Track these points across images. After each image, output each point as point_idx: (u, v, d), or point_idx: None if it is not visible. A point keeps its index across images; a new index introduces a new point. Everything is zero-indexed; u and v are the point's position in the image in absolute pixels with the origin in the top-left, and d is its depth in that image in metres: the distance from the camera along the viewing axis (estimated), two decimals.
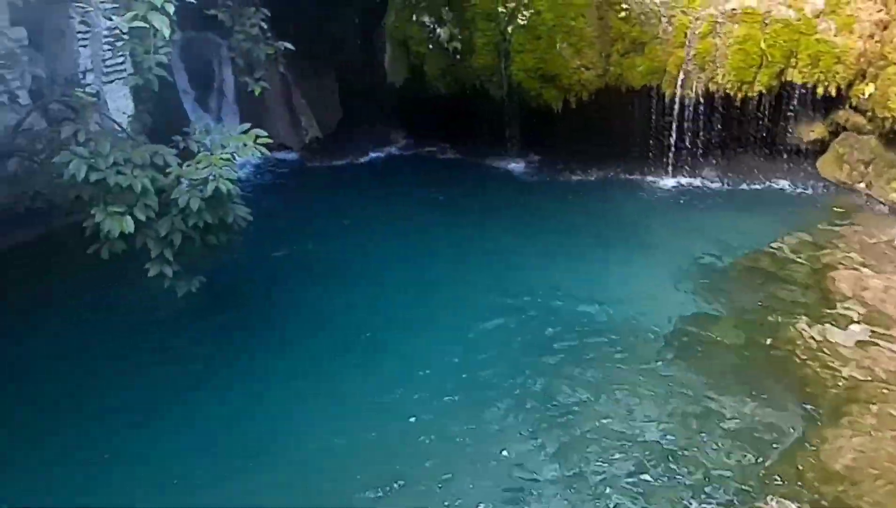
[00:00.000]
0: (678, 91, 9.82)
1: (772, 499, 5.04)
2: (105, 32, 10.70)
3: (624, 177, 10.82)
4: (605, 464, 5.50)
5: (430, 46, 11.36)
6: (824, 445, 5.47)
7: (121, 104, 10.90)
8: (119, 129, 7.76)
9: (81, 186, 6.67)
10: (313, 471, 5.70)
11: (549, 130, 10.93)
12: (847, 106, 9.34)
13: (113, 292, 8.19)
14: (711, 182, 10.42)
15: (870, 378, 6.14)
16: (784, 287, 7.73)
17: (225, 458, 5.87)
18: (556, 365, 6.69)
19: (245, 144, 6.66)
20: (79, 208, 7.55)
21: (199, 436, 6.15)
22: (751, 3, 9.26)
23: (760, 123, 9.88)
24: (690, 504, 5.09)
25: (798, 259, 8.26)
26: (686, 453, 5.59)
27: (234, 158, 6.58)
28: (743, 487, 5.22)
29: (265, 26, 7.54)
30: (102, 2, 10.28)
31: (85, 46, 10.58)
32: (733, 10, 9.30)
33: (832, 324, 6.96)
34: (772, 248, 8.55)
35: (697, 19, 9.53)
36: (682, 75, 9.72)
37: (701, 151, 10.32)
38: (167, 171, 6.42)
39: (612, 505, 5.12)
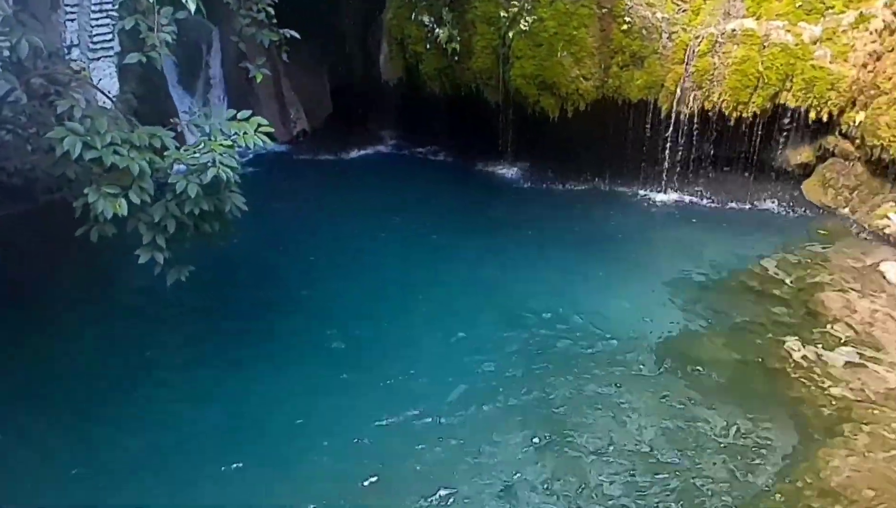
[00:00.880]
0: (674, 107, 9.93)
1: None
2: (94, 7, 10.37)
3: (615, 189, 10.89)
4: (597, 476, 5.49)
5: (428, 46, 11.27)
6: (819, 463, 5.53)
7: (105, 83, 10.52)
8: (111, 107, 7.45)
9: (72, 164, 6.39)
10: (299, 468, 5.59)
11: (543, 138, 10.92)
12: (836, 132, 9.57)
13: (100, 276, 7.91)
14: (701, 199, 10.55)
15: (861, 399, 6.24)
16: (773, 306, 7.83)
17: (207, 452, 5.74)
18: (545, 375, 6.69)
19: (246, 133, 6.46)
20: (64, 186, 7.27)
21: (175, 426, 6.01)
22: (751, 25, 9.42)
23: (752, 143, 10.04)
24: None
25: (785, 279, 8.39)
26: (680, 467, 5.61)
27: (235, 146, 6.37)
28: (737, 503, 5.24)
29: (272, 12, 7.31)
30: None
31: (72, 20, 10.20)
32: (733, 30, 9.44)
33: (822, 345, 7.07)
34: (760, 267, 8.68)
35: (698, 37, 9.65)
36: (679, 92, 9.82)
37: (692, 168, 10.44)
38: (165, 154, 6.18)
39: None
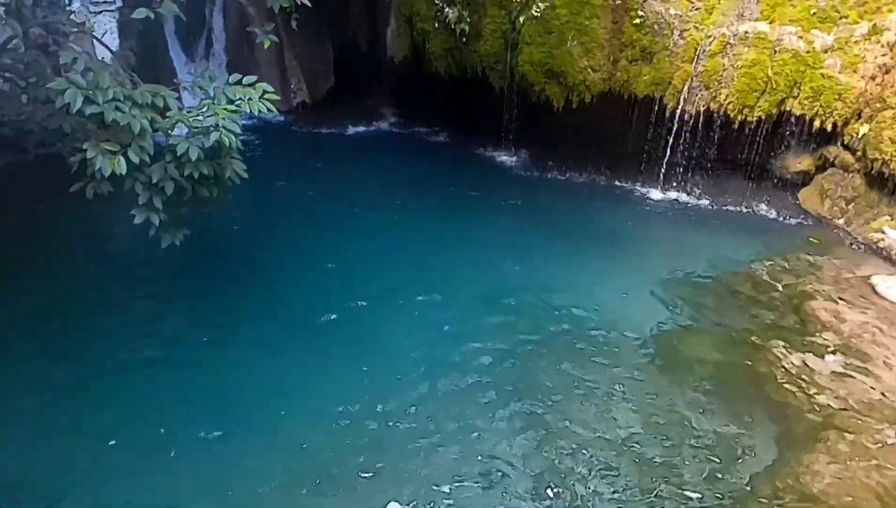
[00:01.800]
0: (680, 105, 9.89)
1: None
2: None
3: (614, 183, 10.87)
4: (578, 469, 5.54)
5: (436, 25, 11.12)
6: (801, 468, 5.60)
7: (106, 39, 10.27)
8: (110, 62, 7.27)
9: (69, 118, 6.25)
10: (275, 442, 5.57)
11: (545, 127, 10.86)
12: (839, 143, 9.58)
13: (91, 235, 7.79)
14: (699, 199, 10.56)
15: (845, 408, 6.31)
16: (763, 310, 7.88)
17: (184, 420, 5.72)
18: (532, 365, 6.72)
19: (250, 99, 6.33)
20: (58, 140, 7.11)
21: (155, 395, 5.97)
22: (764, 28, 9.37)
23: (753, 148, 10.04)
24: None
25: (777, 285, 8.43)
26: (661, 465, 5.66)
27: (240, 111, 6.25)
28: (716, 504, 5.30)
29: None
30: None
31: None
32: (746, 33, 9.39)
33: (810, 352, 7.13)
34: (752, 271, 8.72)
35: (709, 37, 9.59)
36: (686, 90, 9.78)
37: (693, 167, 10.43)
38: (167, 114, 6.05)
39: None
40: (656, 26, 9.74)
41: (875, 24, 9.10)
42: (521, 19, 10.29)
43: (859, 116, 9.25)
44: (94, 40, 7.83)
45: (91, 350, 6.42)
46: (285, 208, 9.43)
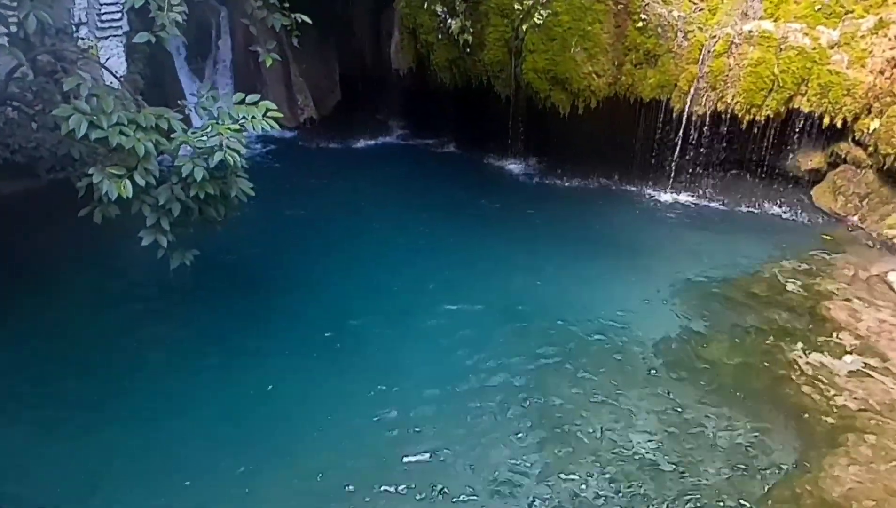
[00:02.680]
0: (687, 107, 9.82)
1: None
2: None
3: (624, 187, 10.81)
4: (594, 477, 5.46)
5: (440, 36, 11.17)
6: (821, 473, 5.48)
7: (113, 63, 10.45)
8: (117, 87, 7.37)
9: (76, 143, 6.33)
10: (293, 458, 5.56)
11: (552, 134, 10.84)
12: (850, 139, 9.45)
13: (101, 258, 7.87)
14: (709, 201, 10.46)
15: (864, 409, 6.18)
16: (778, 312, 7.76)
17: (203, 440, 5.72)
18: (546, 373, 6.65)
19: (254, 117, 6.38)
20: (68, 165, 7.22)
21: (170, 413, 5.97)
22: (768, 27, 9.29)
23: (763, 147, 9.94)
24: None
25: (791, 286, 8.31)
26: (680, 472, 5.56)
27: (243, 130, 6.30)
28: None
29: None
30: None
31: None
32: (750, 32, 9.32)
33: (827, 353, 7.00)
34: (766, 272, 8.60)
35: (714, 37, 9.53)
36: (692, 92, 9.71)
37: (702, 169, 10.35)
38: (172, 136, 6.11)
39: None
40: (659, 29, 9.71)
41: (881, 18, 8.99)
42: (524, 27, 10.30)
43: (869, 111, 9.12)
44: (101, 66, 7.95)
45: (101, 373, 6.45)
46: (294, 224, 9.47)
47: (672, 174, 10.45)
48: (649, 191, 10.68)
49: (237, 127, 6.14)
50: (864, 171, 9.52)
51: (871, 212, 9.50)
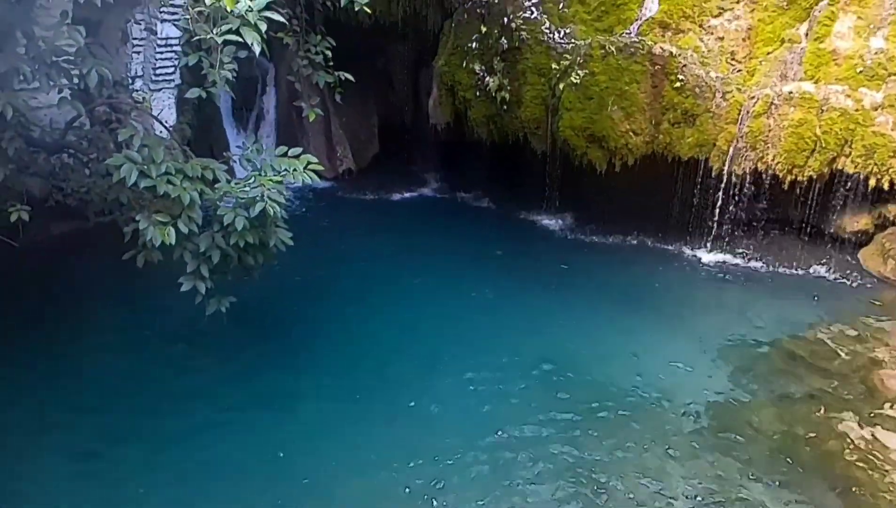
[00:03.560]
0: (726, 167, 9.73)
1: None
2: (159, 42, 10.80)
3: (661, 246, 10.65)
4: None
5: (478, 94, 11.40)
6: None
7: (164, 114, 10.89)
8: (166, 137, 7.65)
9: (126, 190, 6.54)
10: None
11: (588, 190, 10.82)
12: None
13: (139, 300, 8.02)
14: (750, 261, 10.22)
15: None
16: (826, 379, 7.43)
17: (233, 484, 5.64)
18: (579, 432, 6.45)
19: (295, 169, 6.52)
20: (115, 210, 7.46)
21: (201, 459, 5.94)
22: (809, 88, 9.24)
23: (806, 207, 9.75)
24: None
25: (840, 352, 7.98)
26: None
27: (284, 182, 6.43)
28: None
29: (329, 55, 7.49)
30: (162, 10, 10.45)
31: (138, 53, 10.63)
32: (790, 93, 9.27)
33: (879, 425, 6.64)
34: (812, 336, 8.29)
35: (753, 98, 9.51)
36: (731, 151, 9.64)
37: (742, 228, 10.17)
38: (216, 186, 6.27)
39: None
40: (697, 89, 9.73)
41: None
42: (561, 86, 10.45)
43: None
44: (153, 117, 8.29)
45: (135, 410, 6.49)
46: (330, 274, 9.54)
47: (711, 233, 10.28)
48: (687, 250, 10.50)
49: (279, 179, 6.28)
50: None
51: None
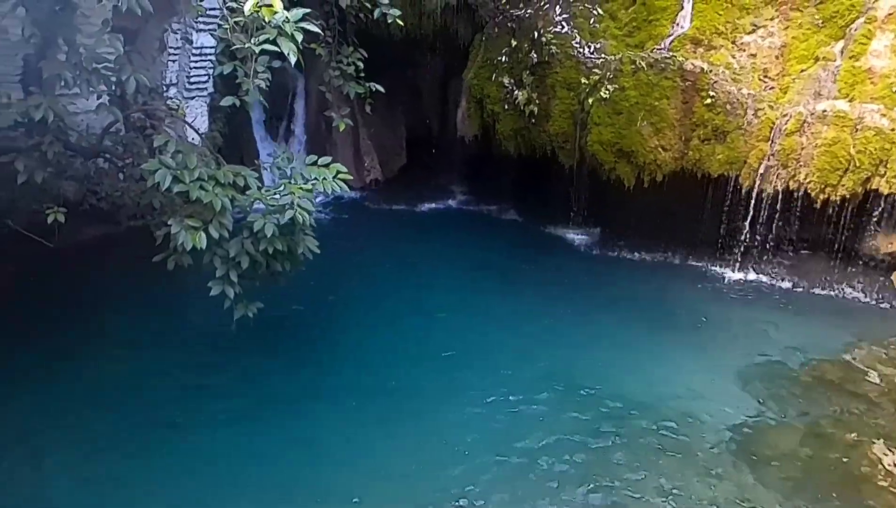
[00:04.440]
0: (756, 185, 9.60)
1: None
2: (194, 51, 11.04)
3: (688, 263, 10.52)
4: None
5: (506, 107, 11.44)
6: None
7: (197, 122, 11.10)
8: (199, 144, 7.80)
9: (158, 195, 6.67)
10: None
11: (616, 205, 10.75)
12: None
13: (167, 303, 8.15)
14: (780, 281, 10.05)
15: None
16: (858, 403, 7.26)
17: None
18: (604, 455, 6.35)
19: (325, 178, 6.61)
20: (147, 214, 7.62)
21: (223, 460, 6.02)
22: (843, 106, 9.10)
23: (838, 227, 9.56)
24: None
25: (872, 375, 7.79)
26: None
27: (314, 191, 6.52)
28: None
29: (361, 66, 7.59)
30: (199, 20, 10.69)
31: (174, 61, 10.88)
32: (824, 111, 9.13)
33: None
34: (843, 359, 8.11)
35: (785, 116, 9.38)
36: (762, 169, 9.51)
37: (773, 247, 10.00)
38: (247, 193, 6.38)
39: None
40: (728, 106, 9.64)
41: None
42: (590, 101, 10.44)
43: None
44: (186, 124, 8.48)
45: (159, 411, 6.61)
46: (354, 282, 9.61)
47: (741, 252, 10.13)
48: (716, 268, 10.35)
49: (308, 187, 6.36)
50: None
51: None
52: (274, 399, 6.88)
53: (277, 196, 6.29)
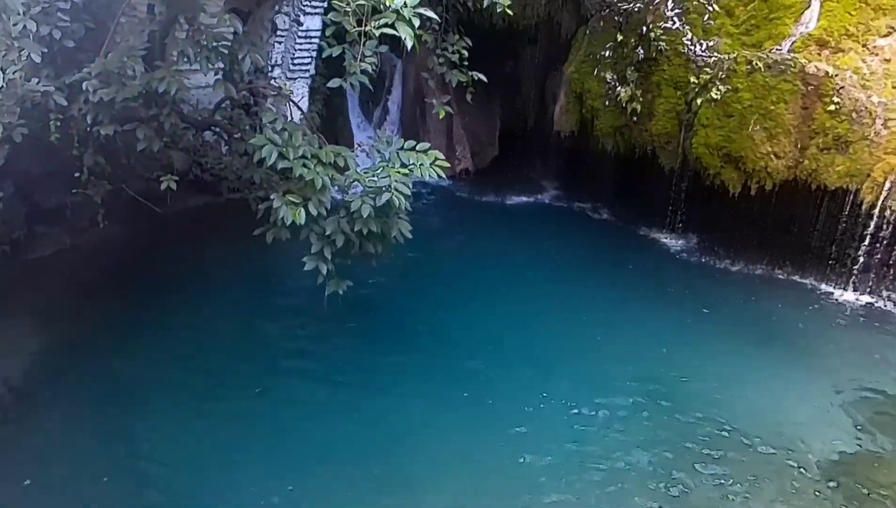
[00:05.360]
0: (881, 200, 8.81)
1: None
2: (300, 33, 11.31)
3: (794, 279, 9.81)
4: None
5: (607, 103, 11.08)
6: None
7: (298, 102, 11.39)
8: (300, 123, 7.95)
9: (260, 171, 6.86)
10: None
11: (717, 212, 10.21)
12: None
13: (266, 275, 8.49)
14: None
15: None
16: None
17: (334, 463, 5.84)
18: (694, 473, 6.05)
19: (422, 164, 6.56)
20: (245, 188, 7.87)
21: (304, 438, 6.19)
22: None
23: None
24: None
25: None
26: None
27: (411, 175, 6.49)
28: None
29: (465, 54, 7.50)
30: (306, 3, 10.95)
31: (280, 42, 11.18)
32: None
33: None
34: None
35: None
36: (889, 184, 8.72)
37: (892, 269, 9.17)
38: (346, 173, 6.43)
39: None
40: (854, 114, 8.89)
41: None
42: (699, 101, 9.94)
43: None
44: (289, 103, 8.68)
45: (244, 376, 6.92)
46: (440, 270, 9.63)
47: (855, 271, 9.36)
48: (825, 286, 9.60)
49: (406, 171, 6.34)
50: None
51: None
52: (356, 382, 7.02)
53: (375, 178, 6.30)
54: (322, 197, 6.14)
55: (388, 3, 4.73)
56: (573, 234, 11.24)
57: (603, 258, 10.24)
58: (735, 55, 9.78)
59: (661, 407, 6.93)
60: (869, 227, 8.99)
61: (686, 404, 6.98)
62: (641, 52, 10.58)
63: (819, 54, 9.58)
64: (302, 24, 11.00)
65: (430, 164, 6.58)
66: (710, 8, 10.36)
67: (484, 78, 7.72)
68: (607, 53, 11.01)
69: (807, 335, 8.51)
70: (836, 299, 9.40)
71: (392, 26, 4.80)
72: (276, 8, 10.75)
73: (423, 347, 7.63)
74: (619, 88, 10.82)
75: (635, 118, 10.72)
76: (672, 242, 10.93)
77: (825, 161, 9.17)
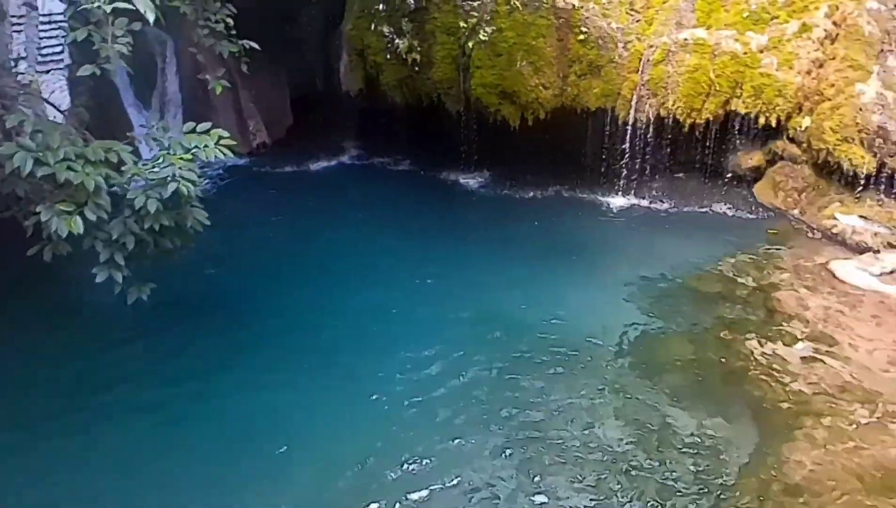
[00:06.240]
0: (631, 114, 10.15)
1: None
2: (42, 18, 10.06)
3: (577, 195, 11.06)
4: (563, 479, 5.55)
5: (388, 57, 11.31)
6: (782, 458, 5.69)
7: (56, 97, 10.21)
8: (62, 122, 7.23)
9: (22, 181, 6.17)
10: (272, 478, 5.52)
11: (504, 146, 11.04)
12: (785, 137, 9.93)
13: (55, 297, 7.67)
14: (658, 203, 10.79)
15: (818, 393, 6.46)
16: (731, 306, 8.05)
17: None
18: (508, 379, 6.77)
19: (206, 146, 6.34)
20: (13, 204, 7.02)
21: (149, 444, 5.90)
22: (702, 34, 9.72)
23: (705, 148, 10.34)
24: None
25: (742, 280, 8.63)
26: (647, 466, 5.71)
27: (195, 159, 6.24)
28: (706, 501, 5.36)
29: (230, 23, 7.20)
30: None
31: (19, 32, 9.87)
32: (685, 40, 9.73)
33: (779, 342, 7.30)
34: (716, 269, 8.91)
35: (651, 47, 9.91)
36: (635, 99, 10.05)
37: (649, 173, 10.68)
38: (122, 169, 6.02)
39: None
40: (600, 41, 10.04)
41: (804, 23, 9.52)
42: (471, 44, 10.52)
43: (800, 110, 9.61)
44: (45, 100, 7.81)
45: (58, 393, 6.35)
46: (251, 250, 9.40)
47: (622, 179, 10.76)
48: (602, 197, 10.95)
49: (189, 157, 6.08)
50: (800, 166, 9.98)
51: (809, 205, 9.95)
52: (171, 377, 6.78)
53: (157, 169, 5.97)
54: (98, 200, 5.69)
55: None
56: (376, 188, 11.56)
57: (407, 207, 10.70)
58: None
59: (472, 323, 7.63)
60: (626, 138, 10.35)
61: (494, 314, 7.74)
62: (412, 2, 10.88)
63: None
64: (38, 8, 9.77)
65: (215, 144, 6.37)
66: None
67: (257, 46, 7.49)
68: (381, 7, 11.17)
69: (591, 241, 9.73)
70: (611, 206, 10.78)
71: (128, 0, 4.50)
72: None
73: (246, 331, 7.49)
74: (397, 41, 11.08)
75: (417, 68, 11.10)
76: (470, 180, 11.67)
77: (584, 86, 10.30)
